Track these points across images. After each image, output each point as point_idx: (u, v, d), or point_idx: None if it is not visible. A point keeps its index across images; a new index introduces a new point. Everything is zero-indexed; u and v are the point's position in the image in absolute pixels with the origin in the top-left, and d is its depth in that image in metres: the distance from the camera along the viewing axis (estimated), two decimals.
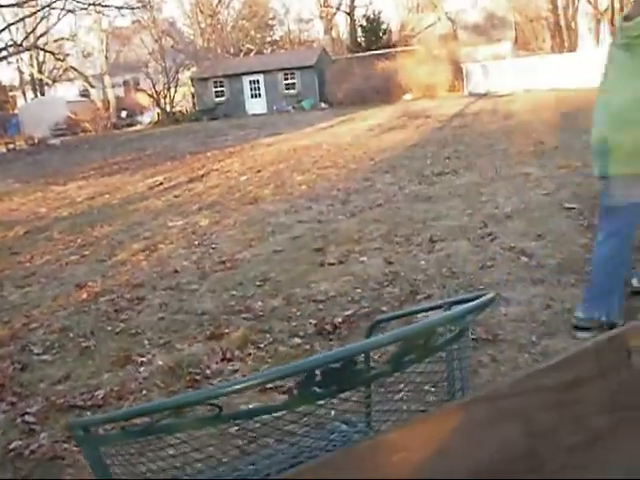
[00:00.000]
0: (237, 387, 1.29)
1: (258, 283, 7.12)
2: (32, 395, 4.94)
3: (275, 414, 1.44)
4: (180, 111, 46.80)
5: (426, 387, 1.92)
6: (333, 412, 2.00)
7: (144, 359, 5.34)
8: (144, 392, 4.74)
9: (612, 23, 54.01)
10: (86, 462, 1.83)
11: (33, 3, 33.92)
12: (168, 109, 46.06)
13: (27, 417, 4.56)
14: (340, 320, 5.68)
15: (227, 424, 1.44)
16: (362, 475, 1.30)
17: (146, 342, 5.76)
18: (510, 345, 4.83)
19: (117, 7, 36.56)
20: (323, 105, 41.34)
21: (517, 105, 26.75)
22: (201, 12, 57.46)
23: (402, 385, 1.87)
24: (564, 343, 4.73)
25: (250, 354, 5.19)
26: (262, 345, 5.36)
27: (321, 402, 1.47)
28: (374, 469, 1.31)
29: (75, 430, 1.66)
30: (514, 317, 5.37)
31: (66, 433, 4.26)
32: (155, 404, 1.77)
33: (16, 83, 62.28)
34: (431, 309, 2.13)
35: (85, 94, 52.24)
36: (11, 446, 4.19)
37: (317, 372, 1.36)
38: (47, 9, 33.81)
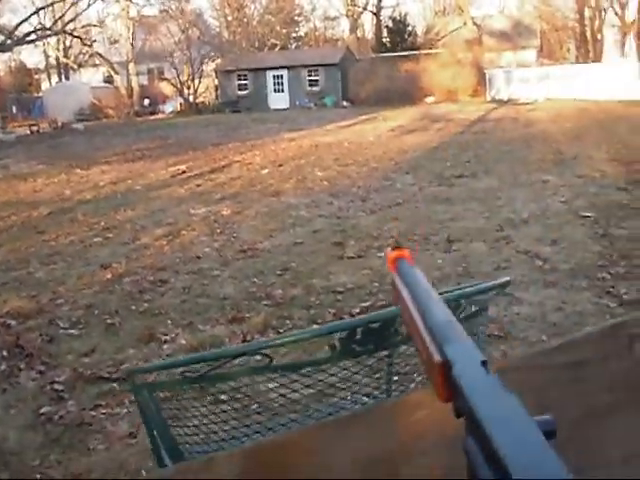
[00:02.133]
0: (286, 340, 1.48)
1: (278, 272, 7.32)
2: (60, 366, 5.17)
3: (318, 367, 1.62)
4: (203, 102, 46.94)
5: None
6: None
7: (167, 337, 5.55)
8: None
9: (639, 37, 53.90)
10: (137, 409, 2.03)
11: None
12: (191, 100, 46.23)
13: (56, 385, 4.79)
14: (358, 311, 5.88)
15: (275, 373, 1.64)
16: (389, 425, 1.47)
17: (169, 322, 5.97)
18: (521, 342, 5.01)
19: None
20: (345, 103, 41.41)
21: (538, 114, 26.80)
22: (228, 5, 57.52)
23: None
24: None
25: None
26: (282, 330, 5.55)
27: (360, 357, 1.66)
28: (400, 423, 1.47)
29: (130, 378, 1.85)
30: (526, 316, 5.55)
31: (94, 402, 4.48)
32: (210, 353, 1.97)
33: (41, 66, 62.64)
34: (458, 289, 2.31)
35: (109, 80, 52.44)
36: (41, 410, 4.42)
37: (358, 330, 1.55)
38: None
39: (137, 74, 50.34)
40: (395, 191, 11.72)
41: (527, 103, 33.40)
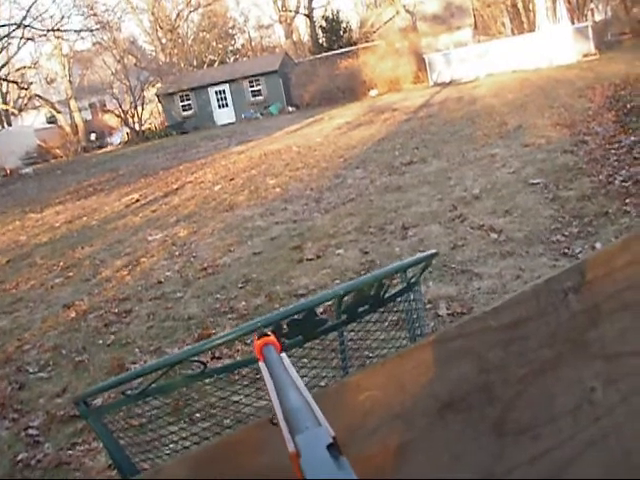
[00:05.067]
0: (216, 342, 1.50)
1: (240, 285, 7.34)
2: (33, 410, 5.14)
3: (252, 366, 1.65)
4: (149, 128, 46.67)
5: (391, 336, 2.17)
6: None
7: (137, 366, 5.54)
8: None
9: (569, 1, 54.56)
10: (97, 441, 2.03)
11: None
12: (137, 127, 46.00)
13: (30, 430, 4.76)
14: (321, 310, 5.90)
15: (212, 378, 1.66)
16: (333, 411, 1.50)
17: (137, 350, 5.96)
18: None
19: (76, 31, 36.62)
20: (290, 109, 41.51)
21: (480, 90, 27.04)
22: (160, 28, 57.40)
23: (371, 335, 2.11)
24: None
25: (238, 350, 5.41)
26: (248, 341, 5.56)
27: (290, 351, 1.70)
28: (343, 406, 1.51)
29: (78, 405, 1.86)
30: (487, 290, 5.62)
31: (70, 440, 4.47)
32: (145, 367, 1.99)
33: None
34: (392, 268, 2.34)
35: (52, 121, 52.01)
36: (18, 458, 4.39)
37: (283, 324, 1.58)
38: (6, 39, 33.61)
39: (79, 110, 50.04)
40: (347, 187, 11.78)
41: (469, 82, 33.69)
